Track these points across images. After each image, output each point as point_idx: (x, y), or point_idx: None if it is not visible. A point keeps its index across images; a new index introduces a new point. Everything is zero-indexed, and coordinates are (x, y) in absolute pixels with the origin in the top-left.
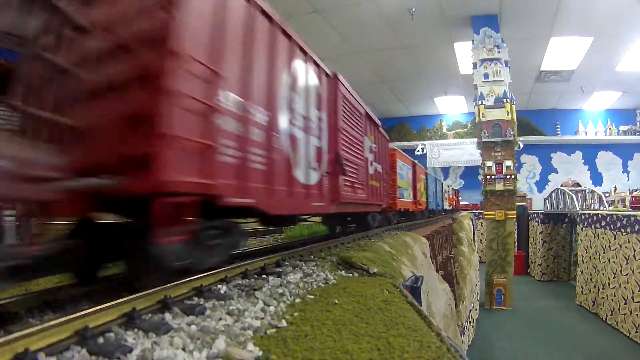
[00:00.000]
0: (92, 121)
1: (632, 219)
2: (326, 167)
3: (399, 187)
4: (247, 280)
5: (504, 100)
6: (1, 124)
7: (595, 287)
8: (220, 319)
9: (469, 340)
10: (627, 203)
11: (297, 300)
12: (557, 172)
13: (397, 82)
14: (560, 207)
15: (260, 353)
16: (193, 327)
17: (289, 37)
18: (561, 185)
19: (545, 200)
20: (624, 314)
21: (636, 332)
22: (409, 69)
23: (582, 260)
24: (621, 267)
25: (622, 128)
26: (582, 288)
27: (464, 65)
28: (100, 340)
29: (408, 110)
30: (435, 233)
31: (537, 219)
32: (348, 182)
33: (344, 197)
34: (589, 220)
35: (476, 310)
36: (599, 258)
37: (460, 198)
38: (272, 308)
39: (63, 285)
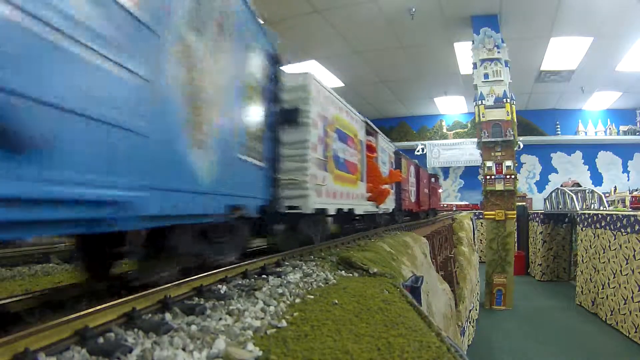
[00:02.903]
0: None
1: (632, 219)
2: None
3: None
4: (247, 280)
5: (504, 100)
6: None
7: (595, 287)
8: (220, 319)
9: (469, 340)
10: (627, 203)
11: (297, 300)
12: (557, 172)
13: (397, 82)
14: (560, 207)
15: (260, 353)
16: (193, 327)
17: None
18: (561, 185)
19: (545, 200)
20: (624, 314)
21: (636, 332)
22: (409, 69)
23: (582, 260)
24: (621, 267)
25: (622, 128)
26: (582, 288)
27: (464, 65)
28: (100, 340)
29: (408, 110)
30: (435, 233)
31: (537, 219)
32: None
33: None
34: (589, 220)
35: (476, 310)
36: (599, 258)
37: (442, 190)
38: (272, 308)
39: (62, 286)
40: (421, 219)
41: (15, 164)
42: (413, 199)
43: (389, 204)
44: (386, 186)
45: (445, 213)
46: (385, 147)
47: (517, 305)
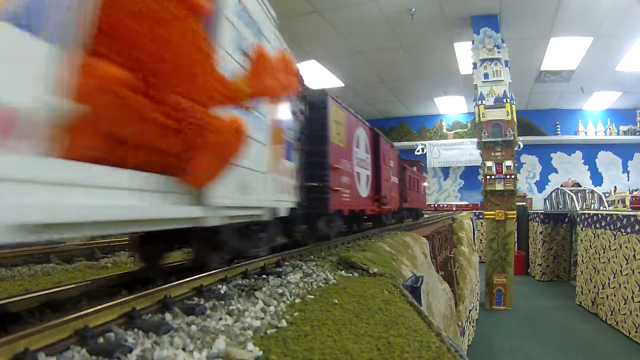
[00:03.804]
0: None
1: (632, 219)
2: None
3: None
4: (247, 280)
5: (504, 100)
6: None
7: (595, 287)
8: (220, 319)
9: (469, 340)
10: (627, 203)
11: (297, 300)
12: (557, 172)
13: (397, 82)
14: (560, 207)
15: (260, 353)
16: (193, 327)
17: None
18: (561, 185)
19: (545, 200)
20: (624, 314)
21: (636, 332)
22: (409, 69)
23: (582, 260)
24: (621, 267)
25: (622, 128)
26: (582, 288)
27: (464, 65)
28: (100, 340)
29: (408, 110)
30: (435, 233)
31: (537, 219)
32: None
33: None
34: (589, 220)
35: (476, 310)
36: (599, 258)
37: (426, 183)
38: (272, 308)
39: (62, 286)
40: (387, 225)
41: None
42: (365, 191)
43: (264, 191)
44: (233, 112)
45: (445, 213)
46: (258, 16)
47: (517, 305)
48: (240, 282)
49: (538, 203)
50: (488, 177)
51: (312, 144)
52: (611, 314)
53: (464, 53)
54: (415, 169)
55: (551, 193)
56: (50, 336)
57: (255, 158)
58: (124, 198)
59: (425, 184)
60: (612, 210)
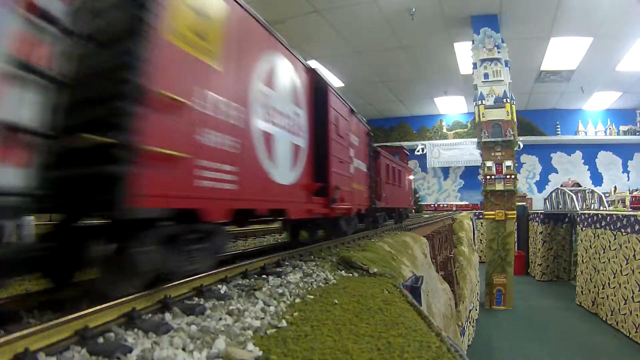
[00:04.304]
0: None
1: (632, 219)
2: None
3: None
4: (247, 280)
5: (504, 100)
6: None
7: (595, 287)
8: (220, 319)
9: (469, 340)
10: (627, 203)
11: (297, 300)
12: (557, 172)
13: (397, 82)
14: (560, 207)
15: (260, 353)
16: (193, 327)
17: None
18: (561, 185)
19: (545, 200)
20: (624, 314)
21: (636, 332)
22: (409, 69)
23: (582, 260)
24: (621, 267)
25: (622, 128)
26: (582, 288)
27: (464, 65)
28: (100, 340)
29: (408, 110)
30: (435, 233)
31: (537, 219)
32: None
33: None
34: (589, 220)
35: (476, 310)
36: (599, 258)
37: (412, 176)
38: (272, 308)
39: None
40: (348, 235)
41: None
42: (288, 173)
43: None
44: None
45: (445, 213)
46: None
47: (517, 305)
48: (240, 282)
49: (538, 203)
50: (488, 177)
51: (103, 46)
52: (611, 314)
53: (464, 53)
54: (397, 157)
55: (551, 193)
56: (50, 336)
57: None
58: None
59: (412, 177)
60: (612, 210)
